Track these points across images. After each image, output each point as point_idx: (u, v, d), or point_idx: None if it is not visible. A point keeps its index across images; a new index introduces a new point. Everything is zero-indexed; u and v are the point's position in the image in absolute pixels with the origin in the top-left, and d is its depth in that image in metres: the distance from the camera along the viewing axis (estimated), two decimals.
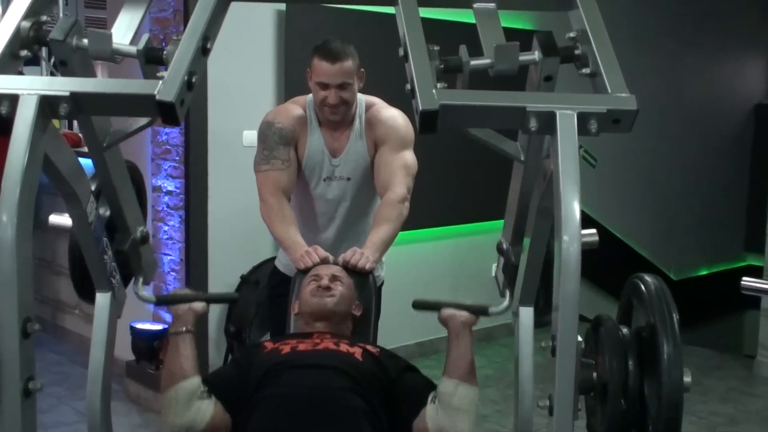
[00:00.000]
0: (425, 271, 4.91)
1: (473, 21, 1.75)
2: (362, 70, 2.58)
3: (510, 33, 1.70)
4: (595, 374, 1.59)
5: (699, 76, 7.38)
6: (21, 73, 1.66)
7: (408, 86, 1.54)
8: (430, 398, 1.95)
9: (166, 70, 1.52)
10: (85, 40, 1.60)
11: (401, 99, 1.86)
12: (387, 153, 2.60)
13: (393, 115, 2.64)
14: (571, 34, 1.66)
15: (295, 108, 2.65)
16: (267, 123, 2.62)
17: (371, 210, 2.70)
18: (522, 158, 1.86)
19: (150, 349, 4.11)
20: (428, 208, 4.39)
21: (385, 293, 2.75)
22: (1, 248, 1.40)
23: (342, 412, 1.91)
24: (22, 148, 1.43)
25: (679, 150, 7.20)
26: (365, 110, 2.64)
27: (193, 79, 1.51)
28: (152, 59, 1.62)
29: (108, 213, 1.91)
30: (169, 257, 4.17)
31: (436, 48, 1.60)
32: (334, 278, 2.21)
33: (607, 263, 5.47)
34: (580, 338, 1.50)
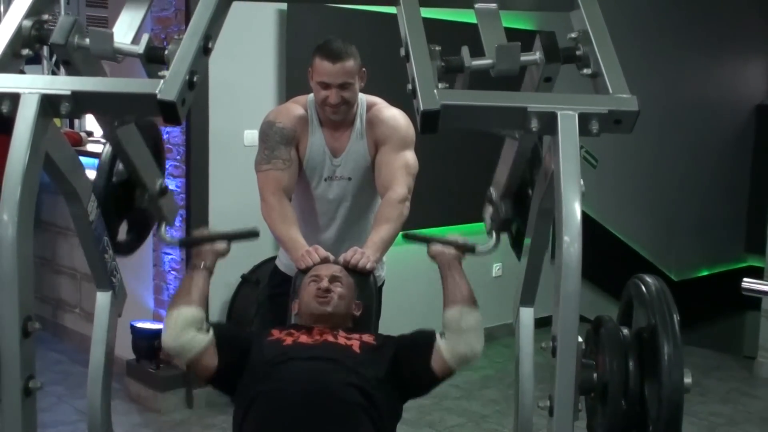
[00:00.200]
0: (425, 271, 4.89)
1: (475, 21, 1.75)
2: (363, 69, 2.57)
3: (511, 33, 1.70)
4: (595, 375, 1.59)
5: (700, 76, 7.37)
6: (22, 71, 1.67)
7: (409, 86, 1.54)
8: (437, 337, 2.03)
9: (167, 69, 1.52)
10: (87, 40, 1.60)
11: (402, 99, 1.86)
12: (388, 153, 2.60)
13: (394, 115, 2.64)
14: (573, 35, 1.66)
15: (297, 108, 2.65)
16: (268, 123, 2.62)
17: (372, 210, 2.70)
18: (516, 135, 1.87)
19: (150, 348, 4.11)
20: (429, 208, 4.38)
21: (385, 293, 2.75)
22: (2, 247, 1.41)
23: (341, 410, 1.92)
24: (23, 147, 1.44)
25: (680, 150, 7.19)
26: (366, 110, 2.64)
27: (195, 79, 1.51)
28: (154, 58, 1.62)
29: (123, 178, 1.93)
30: (169, 256, 4.17)
31: (438, 48, 1.61)
32: (333, 279, 2.21)
33: (608, 264, 5.48)
34: (580, 339, 1.51)
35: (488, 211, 2.18)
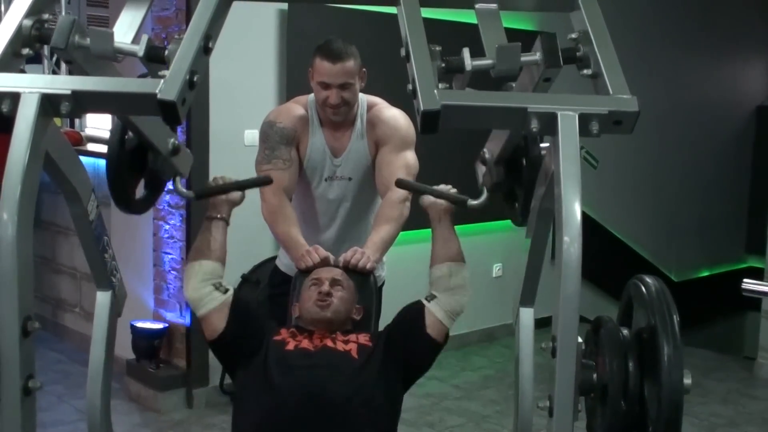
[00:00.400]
0: (426, 271, 4.90)
1: (475, 21, 1.75)
2: (364, 70, 2.57)
3: (511, 33, 1.70)
4: (595, 375, 1.59)
5: (700, 77, 7.38)
6: (23, 71, 1.66)
7: (409, 86, 1.54)
8: (424, 302, 2.08)
9: (167, 69, 1.52)
10: (87, 39, 1.60)
11: (403, 99, 1.85)
12: (388, 153, 2.60)
13: (394, 115, 2.64)
14: (573, 35, 1.66)
15: (297, 108, 2.65)
16: (269, 123, 2.63)
17: (372, 210, 2.70)
18: None
19: (150, 348, 4.12)
20: None
21: (385, 293, 2.75)
22: (2, 246, 1.40)
23: (340, 418, 1.93)
24: (23, 147, 1.43)
25: (681, 151, 7.20)
26: (367, 110, 2.64)
27: (195, 78, 1.51)
28: (154, 58, 1.62)
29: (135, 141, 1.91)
30: (170, 256, 4.17)
31: (438, 48, 1.61)
32: (335, 282, 2.21)
33: (608, 264, 5.49)
34: (580, 339, 1.50)
35: (481, 169, 2.18)
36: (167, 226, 4.16)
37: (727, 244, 7.95)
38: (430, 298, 2.09)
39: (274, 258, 2.91)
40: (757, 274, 5.27)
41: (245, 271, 4.08)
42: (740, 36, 7.72)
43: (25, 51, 1.60)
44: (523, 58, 1.64)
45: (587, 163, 5.92)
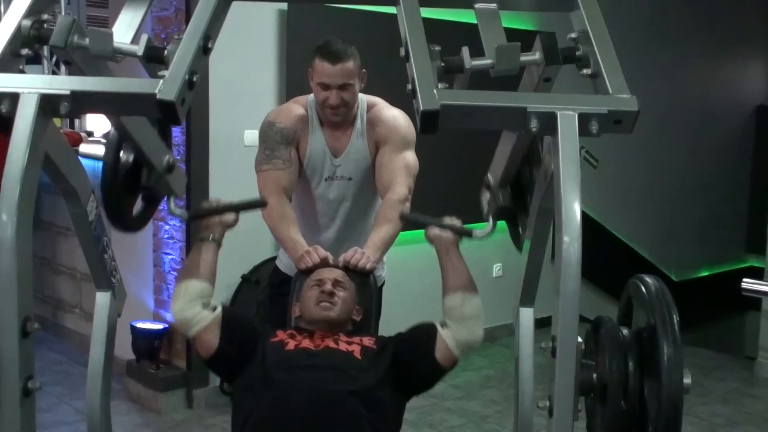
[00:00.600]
0: (426, 271, 4.89)
1: (475, 21, 1.75)
2: (363, 70, 2.57)
3: (511, 33, 1.70)
4: (595, 375, 1.59)
5: (700, 77, 7.37)
6: (22, 71, 1.66)
7: (409, 86, 1.54)
8: (438, 327, 2.04)
9: (167, 69, 1.52)
10: (87, 40, 1.60)
11: (402, 99, 1.85)
12: (388, 153, 2.60)
13: (394, 115, 2.64)
14: (573, 35, 1.66)
15: (297, 108, 2.65)
16: (268, 123, 2.62)
17: (372, 210, 2.70)
18: None
19: (150, 348, 4.12)
20: (429, 208, 4.37)
21: (385, 293, 2.75)
22: (1, 247, 1.40)
23: (342, 420, 1.92)
24: (22, 147, 1.43)
25: (681, 151, 7.19)
26: (367, 110, 2.64)
27: (194, 79, 1.51)
28: (153, 58, 1.62)
29: (131, 159, 1.91)
30: (170, 256, 4.17)
31: (438, 48, 1.60)
32: (336, 283, 2.21)
33: (608, 264, 5.48)
34: (580, 339, 1.50)
35: (485, 196, 2.18)
36: (167, 227, 4.16)
37: (727, 244, 7.95)
38: (444, 325, 2.05)
39: (274, 258, 2.91)
40: (757, 274, 5.27)
41: (245, 271, 4.08)
42: (740, 36, 7.71)
43: (25, 51, 1.60)
44: (522, 58, 1.64)
45: (587, 163, 5.92)
